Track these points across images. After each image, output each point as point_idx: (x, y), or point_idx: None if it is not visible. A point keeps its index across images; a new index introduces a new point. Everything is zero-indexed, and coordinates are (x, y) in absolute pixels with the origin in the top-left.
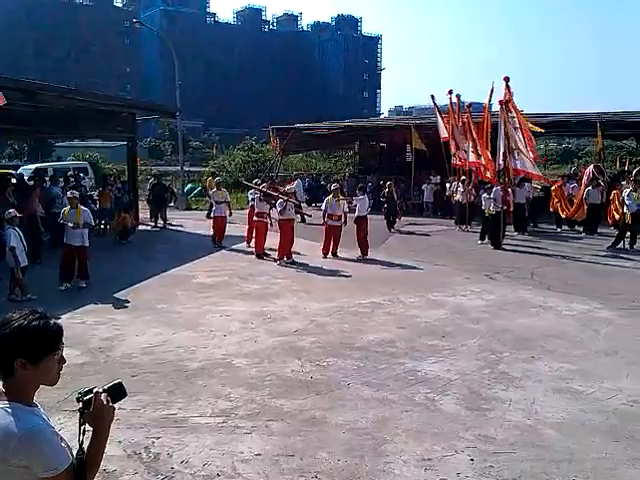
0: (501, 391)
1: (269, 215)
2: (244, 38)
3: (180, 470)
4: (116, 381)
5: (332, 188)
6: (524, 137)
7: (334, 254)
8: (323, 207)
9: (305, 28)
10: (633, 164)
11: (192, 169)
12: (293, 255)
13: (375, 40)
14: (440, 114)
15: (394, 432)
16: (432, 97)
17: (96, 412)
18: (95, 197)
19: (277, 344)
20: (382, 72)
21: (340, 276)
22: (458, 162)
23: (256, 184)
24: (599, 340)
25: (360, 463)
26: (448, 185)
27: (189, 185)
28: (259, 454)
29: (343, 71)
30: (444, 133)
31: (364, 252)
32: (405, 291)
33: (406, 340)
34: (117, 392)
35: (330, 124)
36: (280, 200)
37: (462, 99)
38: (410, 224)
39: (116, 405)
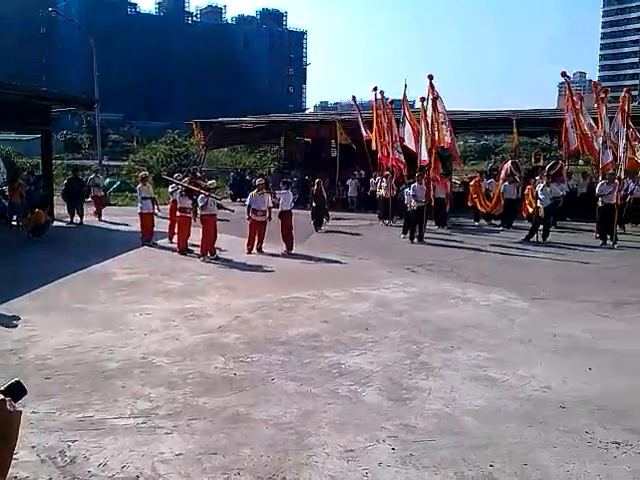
0: (421, 381)
1: (192, 210)
2: (166, 30)
3: (97, 474)
4: (13, 380)
5: (257, 183)
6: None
7: (259, 249)
8: (247, 202)
9: (229, 21)
10: (547, 160)
11: (111, 163)
12: (217, 251)
13: (300, 35)
14: (360, 114)
15: (318, 425)
16: (353, 98)
17: (3, 419)
18: (6, 192)
19: (200, 341)
20: (307, 67)
21: (264, 271)
22: (383, 158)
23: (177, 179)
24: (514, 329)
25: (283, 458)
26: (372, 180)
27: (108, 180)
28: (180, 454)
29: (268, 65)
30: (365, 132)
31: (289, 247)
32: (329, 285)
33: (330, 334)
34: (16, 391)
35: (255, 118)
36: (202, 195)
37: (387, 95)
38: (335, 219)
39: (28, 409)
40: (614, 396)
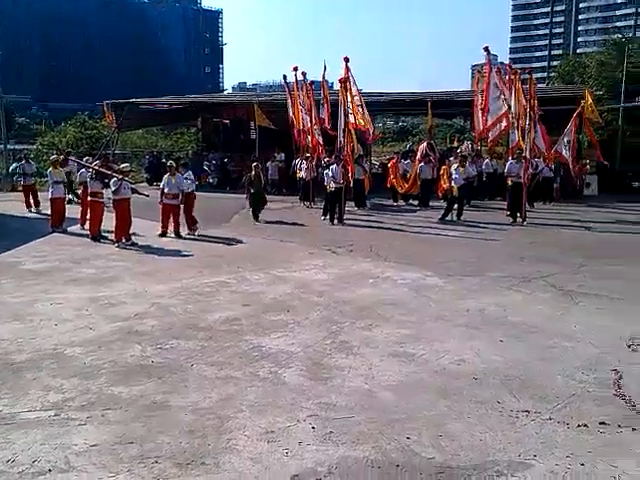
0: (341, 359)
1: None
2: (77, 8)
3: (6, 470)
4: None
5: (168, 165)
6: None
7: (177, 234)
8: (162, 185)
9: None
10: (461, 141)
11: (18, 147)
12: (132, 237)
13: (215, 14)
14: (290, 94)
15: (238, 409)
16: (284, 77)
17: None
18: None
19: (115, 330)
20: (224, 47)
21: (183, 256)
22: (302, 139)
23: (87, 162)
24: (430, 306)
25: (203, 443)
26: (294, 162)
27: (14, 164)
28: (95, 445)
29: (183, 45)
30: (292, 112)
31: (189, 227)
32: (250, 268)
33: (251, 317)
34: None
35: (170, 99)
36: (114, 179)
37: (307, 77)
38: None
39: None
40: (522, 366)
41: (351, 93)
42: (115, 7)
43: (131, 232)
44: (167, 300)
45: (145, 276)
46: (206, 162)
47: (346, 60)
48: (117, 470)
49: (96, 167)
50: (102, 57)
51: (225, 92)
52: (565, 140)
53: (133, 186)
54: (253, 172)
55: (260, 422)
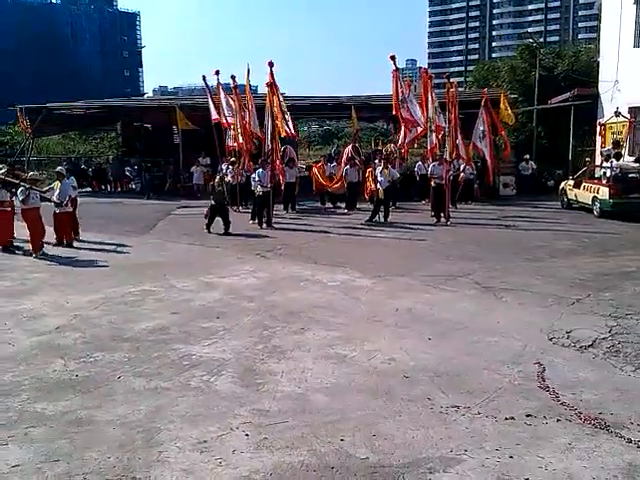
0: (274, 364)
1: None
2: None
3: None
4: None
5: (57, 172)
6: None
7: (70, 243)
8: (57, 194)
9: (54, 0)
10: (385, 144)
11: None
12: (45, 246)
13: (133, 17)
14: (210, 95)
15: (168, 420)
16: (203, 78)
17: None
18: None
19: (36, 344)
20: (142, 50)
21: (104, 265)
22: (231, 144)
23: None
24: (360, 307)
25: (133, 457)
26: (221, 166)
27: None
28: (17, 465)
29: (100, 48)
30: (215, 114)
31: (75, 235)
32: (178, 275)
33: (180, 325)
34: None
35: (87, 103)
36: (21, 188)
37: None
38: (182, 207)
39: None
40: (450, 362)
41: (277, 98)
42: (21, 8)
43: (44, 241)
44: (89, 311)
45: (65, 287)
46: (127, 167)
47: (270, 65)
48: None
49: (1, 176)
50: (9, 60)
51: (145, 96)
52: (480, 130)
53: (44, 194)
54: (217, 179)
55: (192, 432)
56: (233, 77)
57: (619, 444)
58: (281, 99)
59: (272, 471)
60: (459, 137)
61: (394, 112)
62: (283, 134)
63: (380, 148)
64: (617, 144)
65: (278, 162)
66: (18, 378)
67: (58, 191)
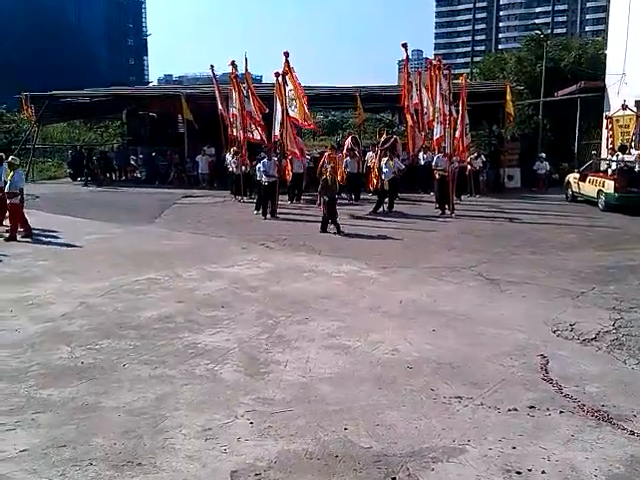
0: (278, 354)
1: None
2: None
3: None
4: None
5: (9, 161)
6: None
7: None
8: (11, 184)
9: None
10: (390, 134)
11: None
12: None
13: (139, 4)
14: (217, 85)
15: (174, 407)
16: (211, 67)
17: None
18: None
19: (42, 331)
20: (148, 38)
21: (110, 253)
22: (235, 133)
23: None
24: (364, 298)
25: (138, 443)
26: (226, 156)
27: None
28: (25, 450)
29: (106, 36)
30: (220, 106)
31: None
32: (183, 265)
33: (185, 314)
34: None
35: (93, 91)
36: None
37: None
38: (186, 196)
39: None
40: (454, 354)
41: (296, 86)
42: None
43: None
44: (95, 299)
45: (70, 275)
46: (133, 156)
47: (286, 55)
48: (49, 475)
49: None
50: (16, 48)
51: (151, 84)
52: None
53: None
54: (328, 173)
55: (197, 420)
56: (234, 63)
57: (621, 436)
58: (295, 87)
59: (276, 459)
60: (459, 129)
61: (401, 102)
62: (306, 125)
63: (384, 139)
64: (624, 149)
65: (296, 151)
66: (25, 364)
67: (10, 181)
